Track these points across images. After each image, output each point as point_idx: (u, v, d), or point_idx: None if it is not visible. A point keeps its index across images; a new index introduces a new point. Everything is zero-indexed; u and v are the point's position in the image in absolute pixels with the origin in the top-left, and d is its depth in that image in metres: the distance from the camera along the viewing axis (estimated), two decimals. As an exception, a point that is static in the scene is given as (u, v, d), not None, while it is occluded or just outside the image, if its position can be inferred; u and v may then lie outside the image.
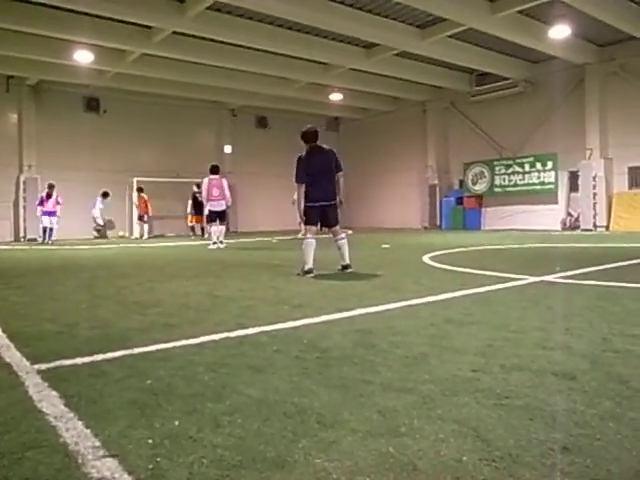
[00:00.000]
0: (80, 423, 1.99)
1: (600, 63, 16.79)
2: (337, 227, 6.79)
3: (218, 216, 12.47)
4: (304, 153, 6.62)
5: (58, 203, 16.09)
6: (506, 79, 18.68)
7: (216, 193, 12.21)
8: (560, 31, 14.07)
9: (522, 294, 4.90)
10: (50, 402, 2.24)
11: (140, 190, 18.92)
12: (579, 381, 2.39)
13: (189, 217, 19.63)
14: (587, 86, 17.17)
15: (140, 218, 18.92)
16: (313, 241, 6.59)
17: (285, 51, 15.90)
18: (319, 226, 6.83)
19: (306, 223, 6.74)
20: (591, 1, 12.52)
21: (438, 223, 21.53)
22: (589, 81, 17.11)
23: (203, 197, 12.52)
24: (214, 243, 12.40)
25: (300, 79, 18.72)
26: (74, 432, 1.91)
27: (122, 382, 2.50)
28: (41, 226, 16.22)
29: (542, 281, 5.62)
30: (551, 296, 4.78)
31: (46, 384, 2.48)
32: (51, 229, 16.01)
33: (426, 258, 8.29)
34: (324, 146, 6.73)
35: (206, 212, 12.87)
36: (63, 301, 5.01)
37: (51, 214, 15.99)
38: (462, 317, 3.84)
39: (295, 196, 6.58)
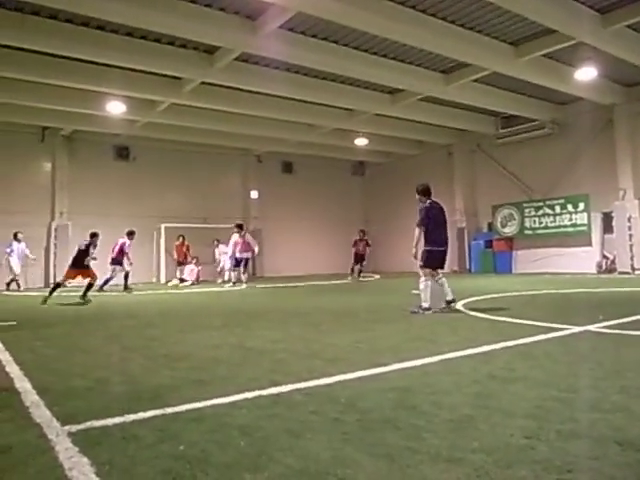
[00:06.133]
0: (111, 498, 1.88)
1: (628, 103, 16.62)
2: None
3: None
4: (428, 204, 7.62)
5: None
6: (532, 121, 18.61)
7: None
8: (586, 73, 14.01)
9: (566, 346, 4.66)
10: (81, 470, 2.14)
11: (182, 238, 18.34)
12: (647, 451, 2.19)
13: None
14: (616, 126, 16.97)
15: (180, 264, 18.39)
16: (430, 282, 7.40)
17: (310, 98, 16.16)
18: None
19: (426, 265, 7.49)
20: (614, 42, 12.43)
21: (468, 267, 21.16)
22: (618, 121, 16.93)
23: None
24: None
25: (325, 125, 18.96)
26: (105, 509, 1.79)
27: (154, 448, 2.38)
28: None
29: (586, 331, 5.35)
30: (599, 349, 4.51)
31: (77, 449, 2.38)
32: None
33: (459, 305, 8.04)
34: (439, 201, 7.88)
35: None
36: (93, 354, 4.95)
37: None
38: (506, 372, 3.64)
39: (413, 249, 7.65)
